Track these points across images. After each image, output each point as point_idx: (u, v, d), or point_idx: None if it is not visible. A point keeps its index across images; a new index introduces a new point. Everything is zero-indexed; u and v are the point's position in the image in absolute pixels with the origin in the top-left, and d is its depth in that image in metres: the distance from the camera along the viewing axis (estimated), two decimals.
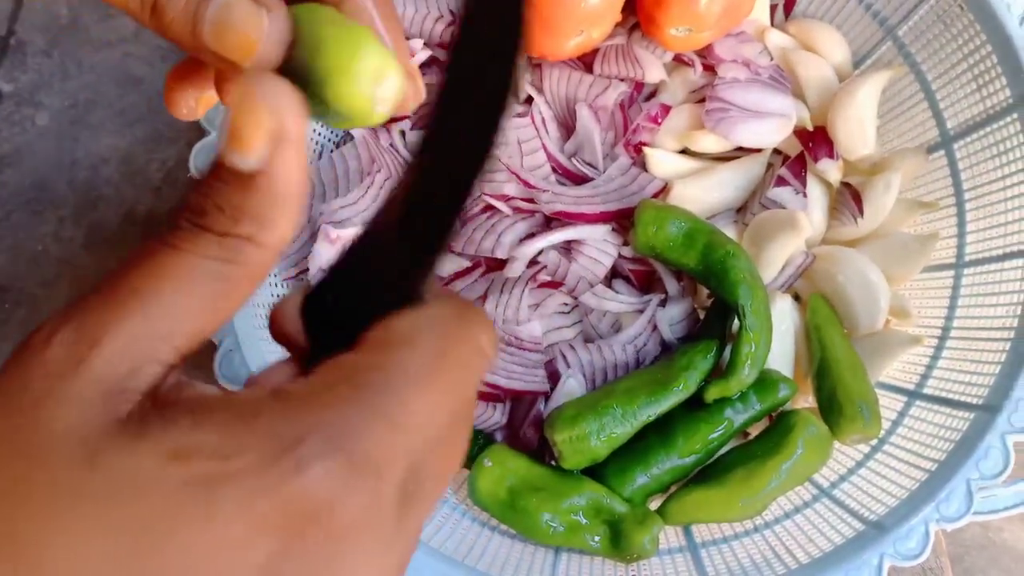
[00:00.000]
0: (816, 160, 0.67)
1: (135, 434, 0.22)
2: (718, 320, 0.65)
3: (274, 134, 0.24)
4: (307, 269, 0.64)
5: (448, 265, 0.67)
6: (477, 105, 0.26)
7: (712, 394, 0.62)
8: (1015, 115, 0.60)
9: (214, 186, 0.24)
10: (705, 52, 0.69)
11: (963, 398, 0.60)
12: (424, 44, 0.69)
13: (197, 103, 0.35)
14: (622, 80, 0.69)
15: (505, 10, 0.25)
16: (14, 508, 0.21)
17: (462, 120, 0.26)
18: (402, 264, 0.26)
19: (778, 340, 0.65)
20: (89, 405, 0.22)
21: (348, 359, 0.25)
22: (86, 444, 0.21)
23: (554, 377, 0.65)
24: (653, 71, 0.69)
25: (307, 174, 0.26)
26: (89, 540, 0.21)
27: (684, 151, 0.70)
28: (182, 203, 0.24)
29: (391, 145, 0.68)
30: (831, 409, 0.62)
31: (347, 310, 0.26)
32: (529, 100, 0.70)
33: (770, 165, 0.70)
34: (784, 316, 0.66)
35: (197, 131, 0.79)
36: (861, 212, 0.66)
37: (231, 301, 0.25)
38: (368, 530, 0.23)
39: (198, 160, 0.60)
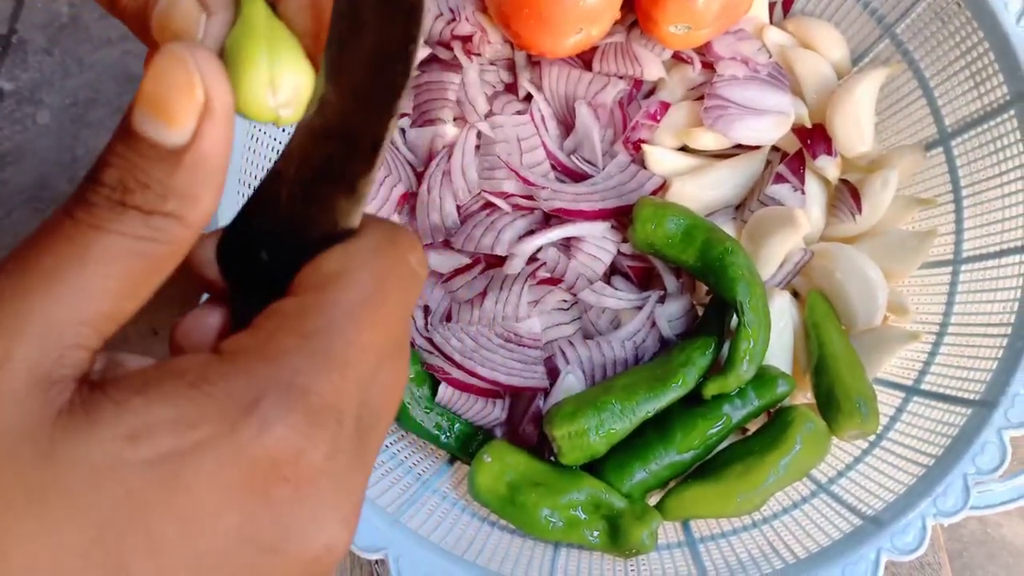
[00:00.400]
0: (814, 157, 0.67)
1: (86, 422, 0.21)
2: (716, 317, 0.65)
3: (202, 108, 0.23)
4: None
5: (448, 262, 0.67)
6: (382, 30, 0.25)
7: (710, 390, 0.62)
8: (1012, 112, 0.60)
9: (135, 160, 0.23)
10: (704, 50, 0.69)
11: (960, 394, 0.60)
12: (424, 42, 0.69)
13: None
14: (621, 78, 0.69)
15: None
16: None
17: (369, 43, 0.26)
18: (322, 200, 0.26)
19: (776, 336, 0.65)
20: (25, 401, 0.21)
21: (287, 305, 0.25)
22: (35, 441, 0.21)
23: (553, 373, 0.66)
24: (652, 69, 0.69)
25: (231, 148, 0.25)
26: (54, 535, 0.21)
27: (683, 148, 0.70)
28: (95, 176, 0.23)
29: (391, 142, 0.69)
30: (829, 405, 0.63)
31: (272, 251, 0.26)
32: (528, 98, 0.70)
33: (768, 162, 0.70)
34: (782, 312, 0.66)
35: None
36: (859, 209, 0.66)
37: (153, 279, 0.24)
38: (333, 474, 0.24)
39: None
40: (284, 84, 0.27)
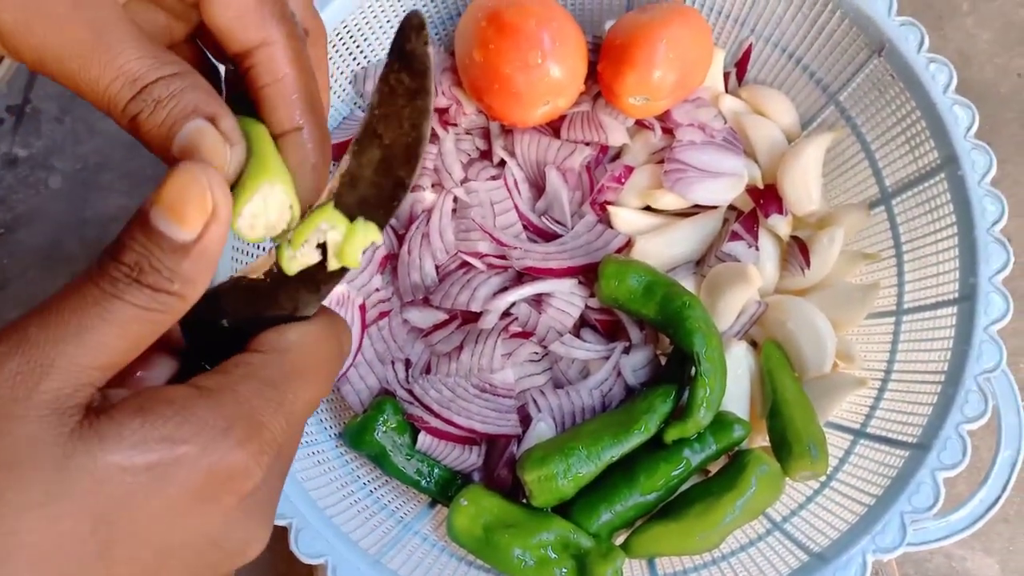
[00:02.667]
0: (767, 216, 0.72)
1: (95, 438, 0.28)
2: (677, 366, 0.70)
3: (209, 216, 0.30)
4: None
5: (427, 318, 0.73)
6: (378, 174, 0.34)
7: (671, 435, 0.67)
8: (943, 175, 0.66)
9: (151, 248, 0.30)
10: (664, 117, 0.75)
11: (900, 437, 0.65)
12: None
13: None
14: (588, 144, 0.75)
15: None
16: None
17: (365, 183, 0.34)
18: (291, 295, 0.35)
19: (734, 383, 0.70)
20: (45, 422, 0.28)
21: (253, 359, 0.33)
22: (52, 453, 0.28)
23: (526, 421, 0.71)
24: (616, 135, 0.74)
25: (224, 243, 0.32)
26: (60, 525, 0.28)
27: (646, 208, 0.76)
28: (117, 255, 0.30)
29: None
30: (782, 448, 0.67)
31: (233, 321, 0.34)
32: (502, 163, 0.76)
33: (725, 220, 0.75)
34: (740, 361, 0.71)
35: None
36: (808, 264, 0.71)
37: (151, 339, 0.31)
38: (265, 490, 0.33)
39: None
40: (272, 214, 0.34)
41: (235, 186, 0.33)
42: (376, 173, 0.34)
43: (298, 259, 0.35)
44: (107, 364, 0.30)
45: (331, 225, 0.34)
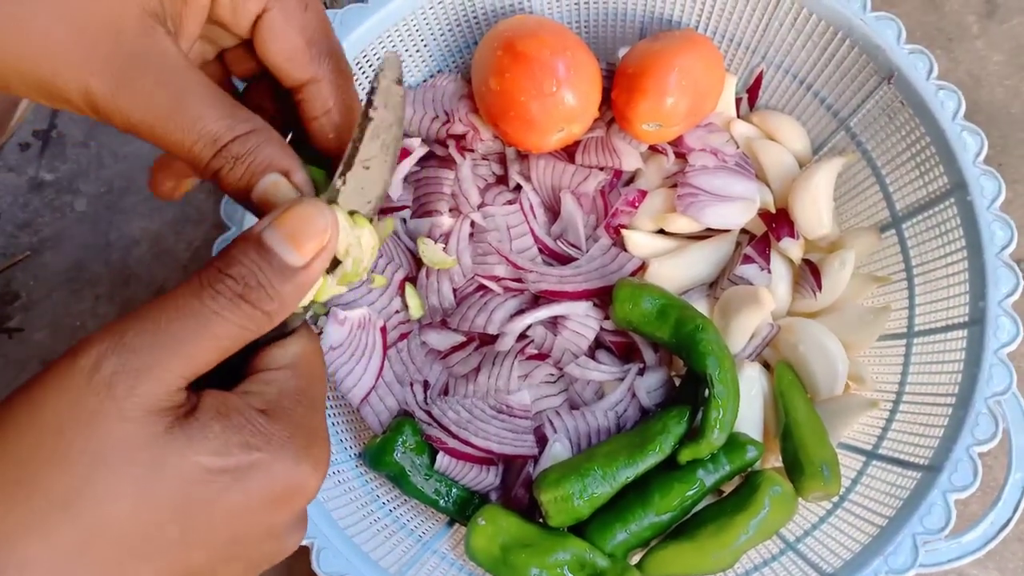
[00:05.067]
0: (779, 239, 0.73)
1: (184, 439, 0.32)
2: (691, 388, 0.71)
3: (322, 248, 0.35)
4: None
5: (445, 340, 0.74)
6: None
7: (685, 456, 0.68)
8: (952, 199, 0.67)
9: (261, 266, 0.34)
10: (677, 142, 0.76)
11: (912, 459, 0.65)
12: (422, 141, 0.77)
13: (177, 186, 0.45)
14: (602, 169, 0.76)
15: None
16: (86, 490, 0.31)
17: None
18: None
19: (747, 405, 0.71)
20: (140, 422, 0.31)
21: (276, 376, 0.37)
22: (148, 451, 0.31)
23: (542, 441, 0.72)
24: (630, 160, 0.76)
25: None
26: (143, 515, 0.31)
27: (660, 232, 0.77)
28: (225, 269, 0.33)
29: (393, 232, 0.76)
30: (795, 469, 0.68)
31: None
32: (518, 188, 0.78)
33: (738, 244, 0.76)
34: (752, 382, 0.72)
35: (219, 214, 0.87)
36: (820, 287, 0.72)
37: (232, 352, 0.34)
38: (316, 493, 0.37)
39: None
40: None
41: None
42: (357, 196, 0.39)
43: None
44: (196, 373, 0.33)
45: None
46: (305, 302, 0.38)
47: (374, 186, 0.39)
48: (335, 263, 0.38)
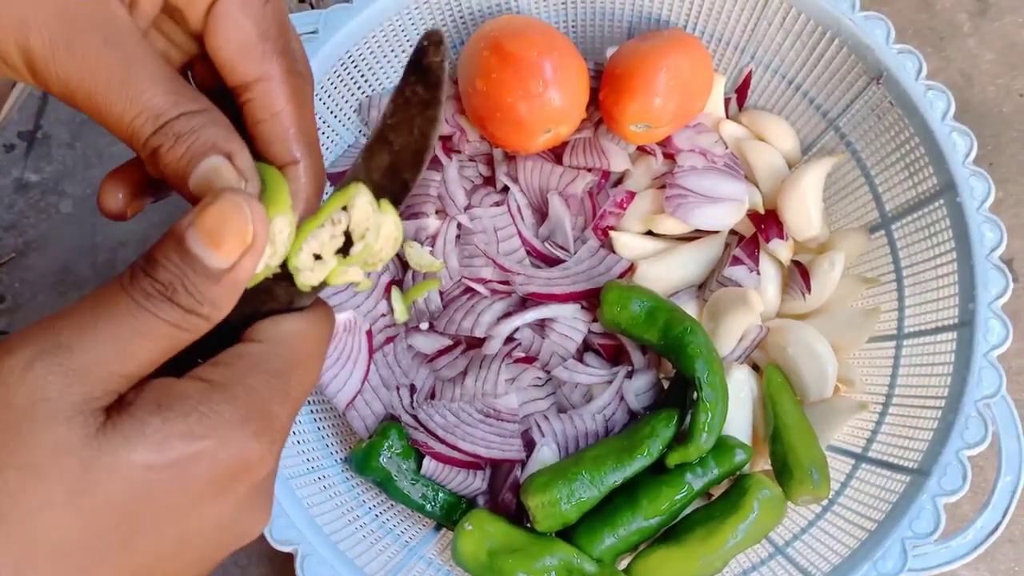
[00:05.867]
0: (768, 240, 0.73)
1: (120, 438, 0.30)
2: (680, 391, 0.71)
3: (247, 246, 0.32)
4: None
5: (432, 343, 0.73)
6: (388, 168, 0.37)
7: (673, 460, 0.67)
8: (941, 200, 0.66)
9: (185, 271, 0.31)
10: (665, 142, 0.75)
11: (901, 462, 0.65)
12: None
13: (125, 206, 0.41)
14: (590, 170, 0.75)
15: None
16: (16, 503, 0.29)
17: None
18: (288, 289, 0.36)
19: (736, 407, 0.71)
20: (73, 423, 0.29)
21: (255, 349, 0.35)
22: (78, 454, 0.29)
23: (530, 445, 0.71)
24: (618, 161, 0.75)
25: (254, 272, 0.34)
26: (86, 521, 0.29)
27: (648, 233, 0.76)
28: (150, 272, 0.31)
29: None
30: (784, 472, 0.68)
31: (236, 312, 0.35)
32: (505, 189, 0.77)
33: (727, 245, 0.76)
34: (742, 385, 0.72)
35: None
36: (809, 288, 0.71)
37: (173, 352, 0.32)
38: (271, 477, 0.35)
39: None
40: (278, 245, 0.36)
41: None
42: (383, 177, 0.37)
43: (315, 272, 0.36)
44: (134, 373, 0.32)
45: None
46: (315, 282, 0.36)
47: (402, 171, 0.37)
48: (348, 244, 0.36)
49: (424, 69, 0.36)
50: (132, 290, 0.31)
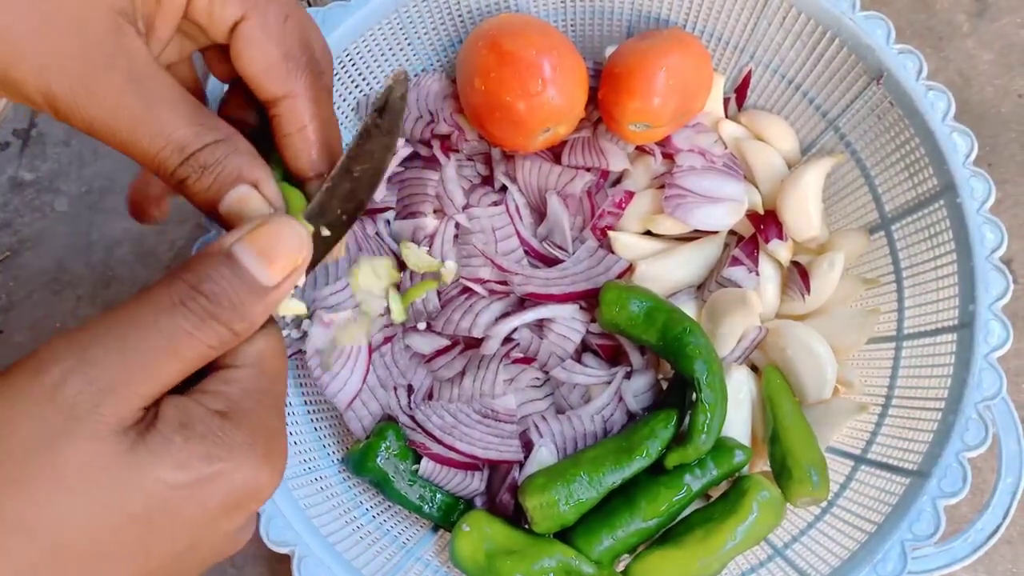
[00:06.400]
0: (767, 241, 0.72)
1: (148, 456, 0.31)
2: (678, 391, 0.70)
3: (295, 268, 0.34)
4: (302, 351, 0.70)
5: (429, 344, 0.73)
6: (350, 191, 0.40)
7: (672, 461, 0.67)
8: (942, 201, 0.66)
9: (234, 283, 0.33)
10: (664, 142, 0.75)
11: (901, 464, 0.65)
12: (406, 141, 0.76)
13: (160, 211, 0.45)
14: (588, 170, 0.75)
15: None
16: (43, 513, 0.30)
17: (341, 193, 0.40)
18: None
19: (735, 408, 0.70)
20: (104, 441, 0.30)
21: (240, 374, 0.36)
22: (111, 470, 0.30)
23: (528, 446, 0.71)
24: (617, 161, 0.75)
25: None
26: (110, 532, 0.31)
27: (647, 233, 0.76)
28: (196, 285, 0.32)
29: (376, 234, 0.75)
30: (783, 473, 0.67)
31: None
32: (504, 188, 0.76)
33: (726, 245, 0.75)
34: (740, 386, 0.71)
35: (202, 215, 0.86)
36: (808, 289, 0.71)
37: (197, 368, 0.34)
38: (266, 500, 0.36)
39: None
40: None
41: None
42: (343, 201, 0.39)
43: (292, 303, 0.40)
44: (161, 391, 0.33)
45: None
46: (296, 310, 0.39)
47: (359, 193, 0.40)
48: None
49: (387, 106, 0.39)
50: (174, 310, 0.32)
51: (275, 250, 0.33)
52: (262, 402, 0.35)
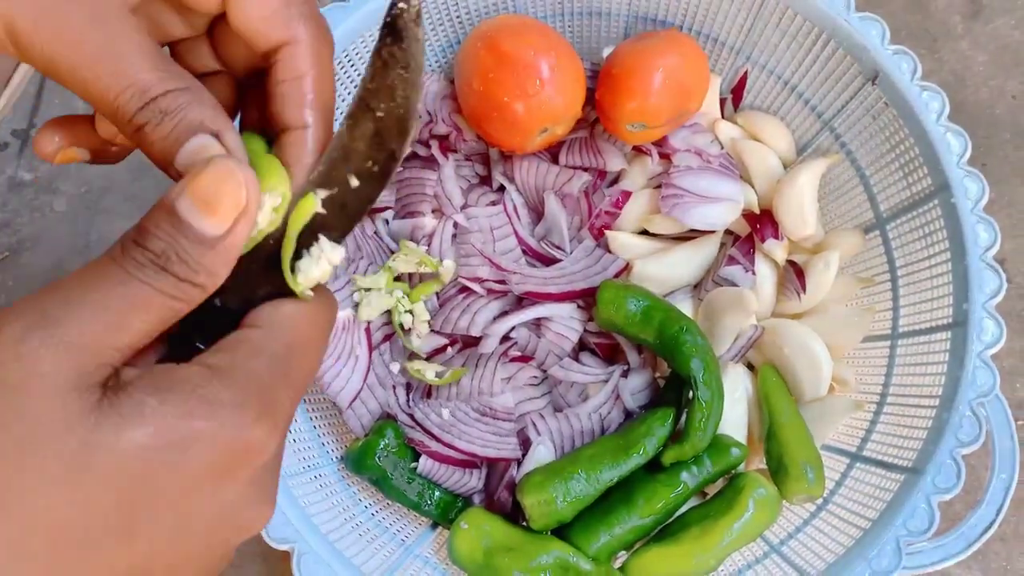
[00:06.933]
0: (763, 240, 0.73)
1: (116, 416, 0.29)
2: (675, 390, 0.71)
3: (240, 212, 0.31)
4: None
5: (428, 342, 0.73)
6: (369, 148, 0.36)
7: (669, 458, 0.67)
8: (936, 201, 0.66)
9: (178, 239, 0.31)
10: (661, 142, 0.76)
11: (896, 461, 0.65)
12: None
13: (56, 151, 0.40)
14: (586, 170, 0.76)
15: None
16: (12, 482, 0.28)
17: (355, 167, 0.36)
18: (281, 274, 0.35)
19: (731, 406, 0.71)
20: (67, 400, 0.28)
21: (254, 335, 0.34)
22: (74, 430, 0.28)
23: (526, 444, 0.71)
24: (614, 161, 0.75)
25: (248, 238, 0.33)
26: (84, 500, 0.28)
27: (644, 233, 0.77)
28: (142, 242, 0.30)
29: (375, 233, 0.75)
30: (779, 471, 0.68)
31: (225, 299, 0.35)
32: (501, 188, 0.77)
33: (722, 245, 0.76)
34: (737, 384, 0.72)
35: None
36: (804, 288, 0.72)
37: (168, 324, 0.32)
38: (274, 464, 0.34)
39: None
40: (264, 220, 0.35)
41: None
42: (369, 146, 0.36)
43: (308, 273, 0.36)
44: (127, 345, 0.31)
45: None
46: (315, 275, 0.36)
47: (388, 139, 0.36)
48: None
49: (398, 31, 0.34)
50: (123, 261, 0.30)
51: (214, 197, 0.31)
52: (269, 368, 0.33)
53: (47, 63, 0.33)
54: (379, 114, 0.35)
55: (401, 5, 0.34)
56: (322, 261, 0.36)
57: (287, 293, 0.36)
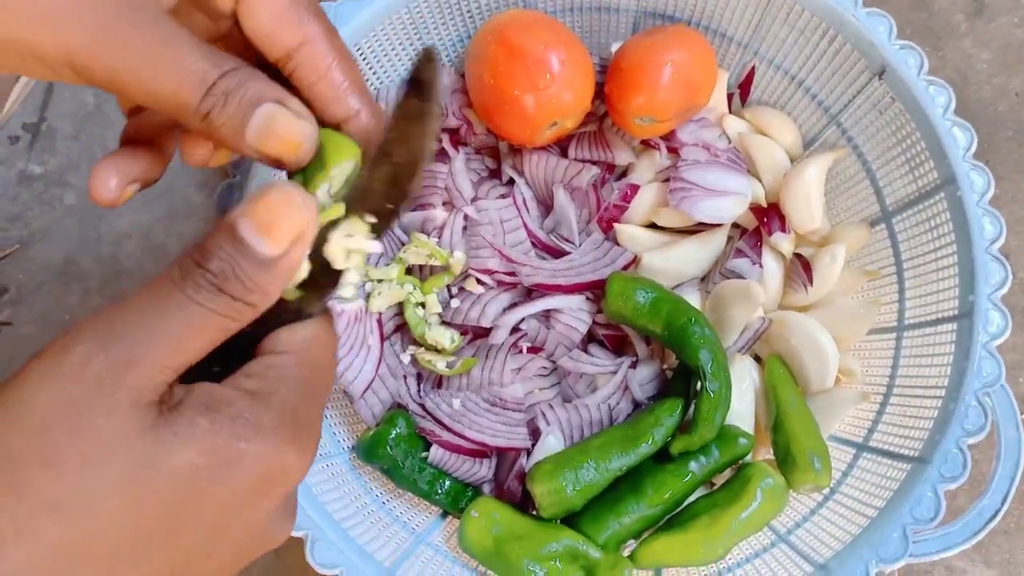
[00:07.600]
0: (770, 233, 0.74)
1: (171, 435, 0.31)
2: (683, 380, 0.72)
3: (297, 236, 0.34)
4: None
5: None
6: (387, 182, 0.39)
7: (677, 448, 0.68)
8: (942, 194, 0.67)
9: (237, 259, 0.33)
10: (669, 136, 0.76)
11: (902, 450, 0.66)
12: None
13: (117, 193, 0.42)
14: (595, 163, 0.76)
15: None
16: (75, 491, 0.30)
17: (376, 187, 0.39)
18: (300, 297, 0.38)
19: (739, 397, 0.72)
20: (128, 416, 0.31)
21: (278, 360, 0.36)
22: (132, 447, 0.30)
23: (535, 434, 0.72)
24: (623, 155, 0.76)
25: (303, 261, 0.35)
26: (135, 513, 0.31)
27: (652, 226, 0.77)
28: (202, 263, 0.32)
29: None
30: (786, 461, 0.69)
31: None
32: (511, 182, 0.78)
33: (730, 238, 0.77)
34: (744, 375, 0.73)
35: (210, 208, 0.87)
36: (811, 281, 0.72)
37: (219, 342, 0.34)
38: (300, 480, 0.36)
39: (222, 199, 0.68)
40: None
41: (308, 167, 0.37)
42: (386, 187, 0.38)
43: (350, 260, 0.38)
44: (182, 364, 0.33)
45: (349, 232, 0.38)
46: (294, 282, 0.37)
47: (402, 181, 0.39)
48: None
49: (420, 84, 0.38)
50: (184, 285, 0.32)
51: (275, 219, 0.33)
52: (298, 392, 0.35)
53: (109, 78, 0.34)
54: (397, 159, 0.38)
55: (423, 61, 0.38)
56: (353, 240, 0.38)
57: (299, 317, 0.38)
